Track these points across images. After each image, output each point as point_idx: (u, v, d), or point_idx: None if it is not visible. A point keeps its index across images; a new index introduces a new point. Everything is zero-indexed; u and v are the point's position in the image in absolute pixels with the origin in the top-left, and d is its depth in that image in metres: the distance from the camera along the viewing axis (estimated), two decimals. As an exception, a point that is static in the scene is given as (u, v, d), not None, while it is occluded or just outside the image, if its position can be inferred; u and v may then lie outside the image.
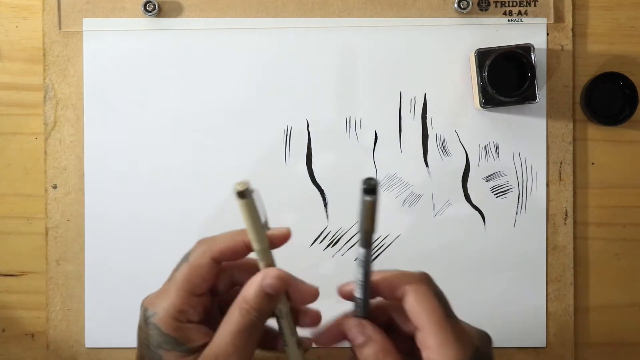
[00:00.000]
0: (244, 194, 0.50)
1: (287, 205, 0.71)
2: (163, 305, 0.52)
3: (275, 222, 0.71)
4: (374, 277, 0.51)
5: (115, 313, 0.71)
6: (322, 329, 0.53)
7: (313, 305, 0.54)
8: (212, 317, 0.53)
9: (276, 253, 0.71)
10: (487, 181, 0.71)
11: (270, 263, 0.52)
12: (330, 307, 0.71)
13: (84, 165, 0.71)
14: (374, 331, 0.51)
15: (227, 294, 0.54)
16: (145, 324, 0.52)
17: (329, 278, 0.71)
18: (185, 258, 0.53)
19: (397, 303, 0.52)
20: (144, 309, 0.53)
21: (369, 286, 0.51)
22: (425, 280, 0.51)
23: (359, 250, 0.49)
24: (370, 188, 0.46)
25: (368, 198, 0.46)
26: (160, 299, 0.52)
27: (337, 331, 0.53)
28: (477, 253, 0.71)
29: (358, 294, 0.52)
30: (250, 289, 0.50)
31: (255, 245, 0.52)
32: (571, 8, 0.71)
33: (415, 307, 0.49)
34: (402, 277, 0.51)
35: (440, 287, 0.71)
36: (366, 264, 0.50)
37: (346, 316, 0.53)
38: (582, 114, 0.71)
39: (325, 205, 0.71)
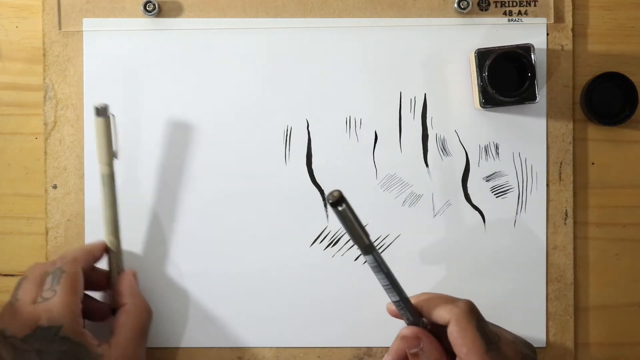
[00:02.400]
0: (100, 112, 0.58)
1: (287, 205, 0.71)
2: (63, 316, 0.56)
3: (276, 222, 0.71)
4: (420, 299, 0.53)
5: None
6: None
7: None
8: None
9: (276, 253, 0.71)
10: (487, 181, 0.71)
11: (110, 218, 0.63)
12: (330, 308, 0.71)
13: (84, 165, 0.71)
14: (428, 342, 0.52)
15: None
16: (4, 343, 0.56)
17: (329, 278, 0.71)
18: (29, 279, 0.61)
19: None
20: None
21: (399, 287, 0.52)
22: (468, 311, 0.52)
23: (366, 258, 0.49)
24: (335, 200, 0.46)
25: (339, 209, 0.46)
26: (49, 312, 0.57)
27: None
28: (477, 253, 0.71)
29: (393, 297, 0.52)
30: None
31: (101, 166, 0.61)
32: (571, 8, 0.71)
33: (458, 339, 0.51)
34: (447, 304, 0.52)
35: (440, 287, 0.71)
36: (379, 266, 0.50)
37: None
38: (582, 114, 0.72)
39: (325, 205, 0.71)
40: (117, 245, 0.67)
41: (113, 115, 0.64)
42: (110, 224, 0.66)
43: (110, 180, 0.65)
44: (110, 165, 0.65)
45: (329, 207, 0.46)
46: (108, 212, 0.66)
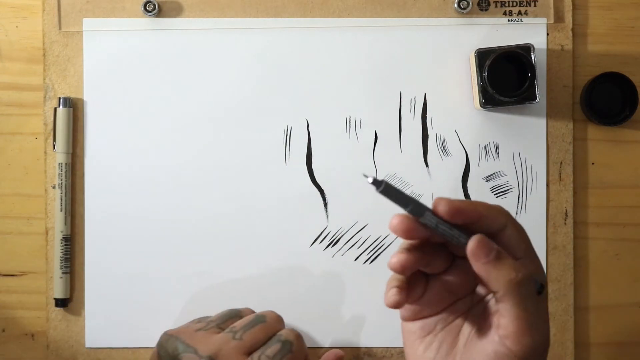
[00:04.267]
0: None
1: (287, 205, 0.71)
2: None
3: (276, 222, 0.71)
4: (477, 205, 0.50)
5: (115, 313, 0.71)
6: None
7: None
8: None
9: (276, 252, 0.71)
10: (487, 181, 0.71)
11: None
12: (330, 308, 0.71)
13: (84, 165, 0.71)
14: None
15: None
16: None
17: (329, 278, 0.71)
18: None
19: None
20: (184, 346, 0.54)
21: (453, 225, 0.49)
22: (510, 214, 0.50)
23: (427, 218, 0.48)
24: (374, 182, 0.47)
25: (379, 189, 0.47)
26: None
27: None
28: (477, 253, 0.71)
29: (455, 234, 0.49)
30: None
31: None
32: (571, 8, 0.71)
33: (518, 239, 0.49)
34: (498, 210, 0.49)
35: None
36: (437, 223, 0.48)
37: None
38: (582, 114, 0.71)
39: (325, 205, 0.71)
40: None
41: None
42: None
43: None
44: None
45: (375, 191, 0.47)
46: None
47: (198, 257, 0.71)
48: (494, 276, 0.47)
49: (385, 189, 0.48)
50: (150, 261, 0.71)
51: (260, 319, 0.55)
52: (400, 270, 0.49)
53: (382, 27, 0.71)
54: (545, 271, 0.50)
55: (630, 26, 0.72)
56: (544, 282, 0.49)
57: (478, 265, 0.48)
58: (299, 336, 0.55)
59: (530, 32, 0.70)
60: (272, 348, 0.52)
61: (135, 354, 0.71)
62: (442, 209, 0.48)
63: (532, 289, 0.48)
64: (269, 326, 0.60)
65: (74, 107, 0.70)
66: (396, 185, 0.50)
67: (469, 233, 0.48)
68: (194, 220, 0.71)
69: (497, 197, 0.71)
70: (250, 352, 0.55)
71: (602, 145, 0.72)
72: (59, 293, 0.70)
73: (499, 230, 0.49)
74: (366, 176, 0.49)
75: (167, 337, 0.56)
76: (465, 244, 0.48)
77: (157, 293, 0.71)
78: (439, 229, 0.48)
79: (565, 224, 0.71)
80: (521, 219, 0.70)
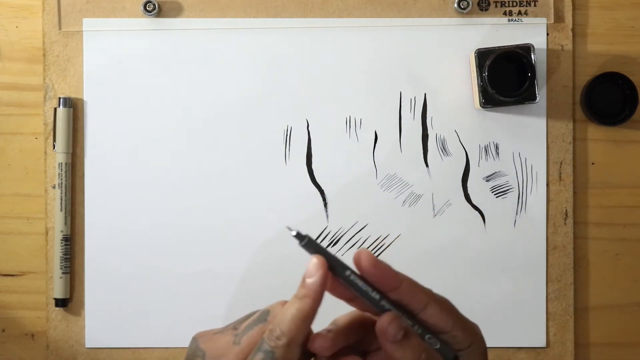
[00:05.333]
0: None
1: (287, 205, 0.71)
2: None
3: (276, 222, 0.71)
4: (398, 274, 0.50)
5: (115, 313, 0.71)
6: (328, 333, 0.50)
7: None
8: None
9: (276, 252, 0.71)
10: (487, 181, 0.71)
11: None
12: (330, 308, 0.71)
13: (84, 165, 0.71)
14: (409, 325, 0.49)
15: None
16: None
17: (329, 278, 0.71)
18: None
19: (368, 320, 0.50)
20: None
21: (374, 289, 0.50)
22: (435, 294, 0.51)
23: (346, 274, 0.49)
24: (297, 236, 0.48)
25: (301, 243, 0.48)
26: None
27: (348, 331, 0.50)
28: (477, 253, 0.71)
29: (373, 296, 0.50)
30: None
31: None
32: (571, 8, 0.71)
33: (442, 316, 0.49)
34: (421, 288, 0.50)
35: (440, 287, 0.71)
36: (354, 281, 0.49)
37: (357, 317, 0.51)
38: (582, 114, 0.71)
39: (325, 205, 0.71)
40: None
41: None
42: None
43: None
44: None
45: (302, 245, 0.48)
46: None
47: (198, 257, 0.71)
48: (399, 356, 0.47)
49: (307, 244, 0.49)
50: (150, 261, 0.71)
51: (262, 317, 0.54)
52: (322, 352, 0.49)
53: (382, 27, 0.71)
54: (482, 335, 0.52)
55: (630, 26, 0.72)
56: (458, 354, 0.49)
57: (385, 344, 0.48)
58: (287, 343, 0.52)
59: (530, 32, 0.70)
60: (255, 358, 0.51)
61: (135, 354, 0.71)
62: (364, 260, 0.48)
63: None
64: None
65: (74, 107, 0.71)
66: (319, 242, 0.50)
67: (393, 304, 0.48)
68: (194, 220, 0.71)
69: (497, 197, 0.71)
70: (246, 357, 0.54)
71: (602, 145, 0.72)
72: (59, 293, 0.70)
73: (420, 308, 0.49)
74: (290, 229, 0.49)
75: (192, 339, 0.56)
76: (387, 310, 0.48)
77: (157, 293, 0.71)
78: (360, 291, 0.48)
79: (565, 224, 0.71)
80: (521, 219, 0.71)
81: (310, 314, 0.49)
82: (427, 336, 0.49)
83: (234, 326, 0.54)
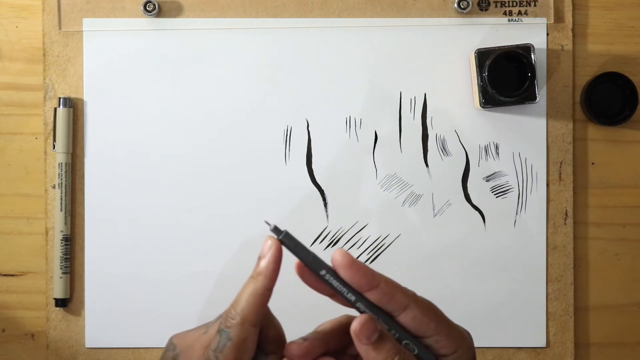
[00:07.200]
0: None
1: (287, 205, 0.71)
2: None
3: (275, 222, 0.71)
4: (375, 275, 0.50)
5: (115, 313, 0.71)
6: (304, 341, 0.50)
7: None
8: None
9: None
10: (487, 181, 0.71)
11: None
12: (330, 308, 0.71)
13: (84, 165, 0.71)
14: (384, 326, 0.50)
15: None
16: None
17: (329, 278, 0.71)
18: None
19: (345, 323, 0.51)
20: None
21: (350, 289, 0.50)
22: (417, 295, 0.51)
23: (321, 273, 0.49)
24: (274, 230, 0.48)
25: (279, 237, 0.48)
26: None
27: (325, 339, 0.51)
28: (477, 253, 0.71)
29: (349, 297, 0.50)
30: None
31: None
32: (571, 8, 0.71)
33: (424, 319, 0.49)
34: (401, 289, 0.50)
35: (440, 287, 0.71)
36: (329, 280, 0.49)
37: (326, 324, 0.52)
38: (582, 114, 0.72)
39: (325, 205, 0.71)
40: None
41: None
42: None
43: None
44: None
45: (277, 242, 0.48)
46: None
47: (198, 257, 0.71)
48: (372, 358, 0.47)
49: (285, 238, 0.49)
50: (150, 261, 0.71)
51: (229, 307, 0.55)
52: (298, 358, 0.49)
53: (382, 27, 0.71)
54: (470, 341, 0.51)
55: (630, 26, 0.72)
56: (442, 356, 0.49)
57: (359, 346, 0.48)
58: (240, 322, 0.51)
59: (530, 32, 0.70)
60: (214, 340, 0.52)
61: (135, 354, 0.71)
62: (339, 261, 0.48)
63: None
64: None
65: (74, 107, 0.71)
66: (297, 238, 0.50)
67: (372, 306, 0.48)
68: (194, 220, 0.71)
69: (497, 197, 0.71)
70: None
71: (602, 145, 0.72)
72: (59, 293, 0.70)
73: (399, 310, 0.49)
74: (268, 223, 0.49)
75: (168, 339, 0.56)
76: (363, 311, 0.48)
77: (157, 293, 0.71)
78: (336, 291, 0.48)
79: (565, 224, 0.71)
80: (521, 219, 0.71)
81: (263, 293, 0.50)
82: (405, 342, 0.49)
83: (207, 323, 0.55)
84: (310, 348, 0.50)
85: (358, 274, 0.48)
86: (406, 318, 0.49)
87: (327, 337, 0.51)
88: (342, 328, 0.51)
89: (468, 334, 0.51)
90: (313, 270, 0.49)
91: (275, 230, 0.49)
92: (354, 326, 0.48)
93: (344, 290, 0.48)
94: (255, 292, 0.50)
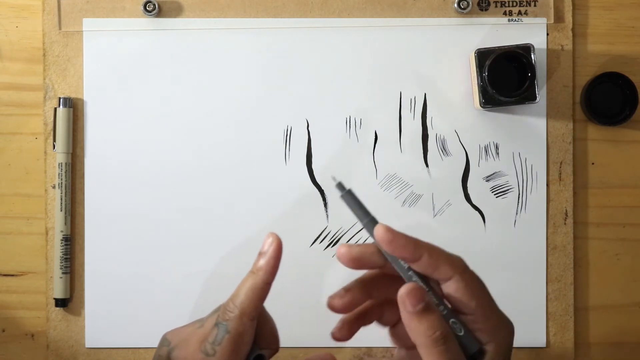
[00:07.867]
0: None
1: (287, 205, 0.71)
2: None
3: (276, 222, 0.71)
4: (422, 245, 0.49)
5: (115, 313, 0.71)
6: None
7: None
8: None
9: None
10: (487, 181, 0.71)
11: None
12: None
13: (84, 165, 0.71)
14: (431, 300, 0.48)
15: None
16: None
17: (329, 278, 0.71)
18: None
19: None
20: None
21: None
22: (468, 268, 0.50)
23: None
24: (338, 186, 0.49)
25: (341, 194, 0.49)
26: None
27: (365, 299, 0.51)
28: (477, 253, 0.71)
29: (403, 264, 0.49)
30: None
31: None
32: (571, 8, 0.71)
33: (466, 294, 0.48)
34: (447, 260, 0.49)
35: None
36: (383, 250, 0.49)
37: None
38: (582, 114, 0.72)
39: (325, 205, 0.71)
40: None
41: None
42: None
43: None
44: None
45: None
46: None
47: (198, 257, 0.71)
48: (414, 328, 0.47)
49: (346, 195, 0.49)
50: (151, 261, 0.71)
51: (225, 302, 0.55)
52: (341, 310, 0.50)
53: (382, 27, 0.71)
54: (507, 338, 0.50)
55: (630, 26, 0.72)
56: (485, 346, 0.48)
57: (403, 313, 0.48)
58: (239, 315, 0.51)
59: (530, 32, 0.70)
60: (212, 333, 0.52)
61: (135, 354, 0.71)
62: (379, 237, 0.48)
63: (453, 349, 0.47)
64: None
65: (74, 107, 0.71)
66: (359, 198, 0.50)
67: (422, 278, 0.49)
68: (194, 219, 0.71)
69: (497, 197, 0.71)
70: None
71: (602, 145, 0.72)
72: (59, 293, 0.70)
73: (443, 280, 0.49)
74: (334, 179, 0.49)
75: (162, 336, 0.56)
76: (415, 281, 0.48)
77: (157, 293, 0.71)
78: (389, 259, 0.49)
79: (565, 224, 0.71)
80: (521, 219, 0.71)
81: (262, 287, 0.51)
82: (452, 320, 0.48)
83: (201, 318, 0.55)
84: (352, 299, 0.50)
85: (399, 248, 0.48)
86: (449, 289, 0.49)
87: (370, 286, 0.51)
88: (385, 277, 0.51)
89: (510, 325, 0.50)
90: (368, 232, 0.49)
91: (339, 186, 0.49)
92: (401, 292, 0.48)
93: (393, 260, 0.49)
94: (255, 286, 0.51)
